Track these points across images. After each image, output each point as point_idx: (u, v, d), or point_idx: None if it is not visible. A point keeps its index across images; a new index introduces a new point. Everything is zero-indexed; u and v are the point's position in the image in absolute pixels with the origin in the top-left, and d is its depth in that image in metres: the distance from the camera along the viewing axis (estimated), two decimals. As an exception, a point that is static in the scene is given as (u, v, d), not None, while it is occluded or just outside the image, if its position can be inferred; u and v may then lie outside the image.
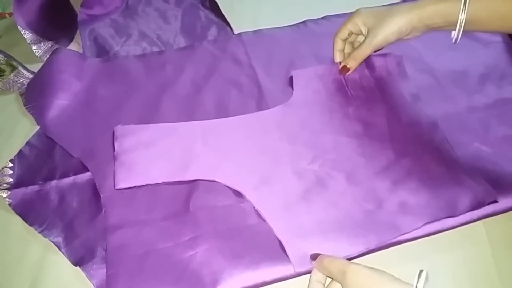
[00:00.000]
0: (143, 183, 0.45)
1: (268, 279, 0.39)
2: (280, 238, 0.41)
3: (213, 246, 0.41)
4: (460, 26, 0.45)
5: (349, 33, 0.52)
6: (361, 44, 0.50)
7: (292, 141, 0.48)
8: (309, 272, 0.40)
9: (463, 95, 0.53)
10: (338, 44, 0.53)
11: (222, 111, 0.52)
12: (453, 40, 0.47)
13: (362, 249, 0.40)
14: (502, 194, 0.43)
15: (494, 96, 0.52)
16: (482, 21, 0.45)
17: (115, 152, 0.46)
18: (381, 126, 0.49)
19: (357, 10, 0.51)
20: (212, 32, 0.62)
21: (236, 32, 0.61)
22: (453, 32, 0.46)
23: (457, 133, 0.49)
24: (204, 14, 0.64)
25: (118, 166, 0.45)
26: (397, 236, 0.40)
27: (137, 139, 0.47)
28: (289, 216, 0.42)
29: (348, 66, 0.51)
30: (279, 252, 0.40)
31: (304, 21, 0.62)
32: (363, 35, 0.50)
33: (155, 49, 0.60)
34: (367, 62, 0.54)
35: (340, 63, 0.52)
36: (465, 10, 0.44)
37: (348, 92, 0.52)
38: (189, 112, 0.52)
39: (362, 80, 0.53)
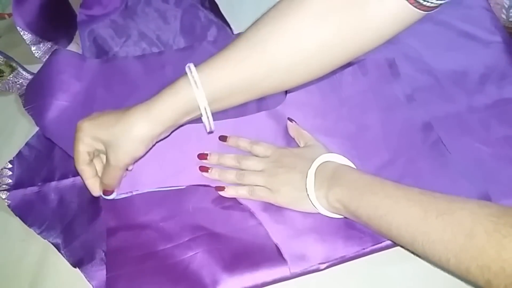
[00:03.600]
0: (137, 190, 0.44)
1: (267, 279, 0.39)
2: (276, 240, 0.41)
3: (212, 247, 0.41)
4: (205, 111, 0.39)
5: (89, 153, 0.41)
6: (106, 166, 0.41)
7: (286, 144, 0.48)
8: (306, 273, 0.40)
9: (463, 95, 0.53)
10: (87, 172, 0.42)
11: (221, 112, 0.51)
12: (208, 130, 0.41)
13: (357, 249, 0.40)
14: (502, 195, 0.43)
15: (495, 96, 0.52)
16: (226, 98, 0.39)
17: None
18: (374, 127, 0.49)
19: (79, 125, 0.40)
20: (212, 32, 0.62)
21: (236, 32, 0.61)
22: (204, 119, 0.40)
23: (457, 133, 0.49)
24: (204, 14, 0.63)
25: None
26: None
27: None
28: (284, 219, 0.42)
29: (109, 189, 0.43)
30: (279, 253, 0.40)
31: (303, 21, 0.62)
32: (103, 152, 0.41)
33: (155, 50, 0.59)
34: (360, 64, 0.54)
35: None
36: (203, 96, 0.37)
37: (342, 93, 0.52)
38: (189, 112, 0.52)
39: (355, 82, 0.53)
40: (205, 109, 0.39)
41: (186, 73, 0.38)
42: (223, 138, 0.48)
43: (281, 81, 0.39)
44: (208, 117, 0.39)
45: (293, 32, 0.36)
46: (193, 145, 0.48)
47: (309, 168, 0.41)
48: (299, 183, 0.41)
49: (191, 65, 0.38)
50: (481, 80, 0.54)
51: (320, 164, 0.41)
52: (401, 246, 0.38)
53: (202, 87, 0.37)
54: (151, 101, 0.39)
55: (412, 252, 0.35)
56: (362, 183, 0.38)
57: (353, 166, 0.42)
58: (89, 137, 0.40)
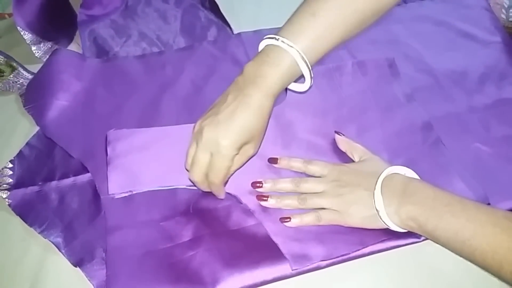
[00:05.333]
0: (137, 188, 0.45)
1: (267, 278, 0.39)
2: (276, 241, 0.41)
3: (213, 246, 0.41)
4: (310, 71, 0.40)
5: None
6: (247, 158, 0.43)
7: (286, 144, 0.48)
8: (307, 271, 0.40)
9: (463, 95, 0.53)
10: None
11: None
12: (309, 87, 0.42)
13: (358, 247, 0.40)
14: (502, 195, 0.43)
15: (494, 96, 0.52)
16: (325, 47, 0.41)
17: (108, 157, 0.46)
18: (374, 127, 0.49)
19: (222, 145, 0.39)
20: (212, 32, 0.62)
21: (236, 32, 0.61)
22: (306, 80, 0.41)
23: (457, 133, 0.49)
24: (204, 14, 0.64)
25: (111, 171, 0.45)
26: (393, 237, 0.41)
27: (130, 143, 0.47)
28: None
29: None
30: (279, 251, 0.40)
31: (304, 21, 0.62)
32: None
33: (155, 50, 0.60)
34: (360, 64, 0.54)
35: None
36: (304, 60, 0.39)
37: (342, 93, 0.52)
38: (189, 112, 0.52)
39: (355, 82, 0.53)
40: (308, 70, 0.40)
41: (273, 45, 0.40)
42: (273, 161, 0.46)
43: (365, 27, 0.43)
44: (310, 72, 0.41)
45: None
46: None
47: (375, 184, 0.40)
48: (367, 201, 0.40)
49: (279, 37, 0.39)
50: (480, 80, 0.54)
51: (385, 178, 0.40)
52: (484, 269, 0.36)
53: (304, 57, 0.39)
54: (263, 83, 0.40)
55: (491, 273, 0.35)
56: (440, 203, 0.37)
57: (418, 177, 0.41)
58: (237, 148, 0.40)
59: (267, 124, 0.42)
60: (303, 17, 0.40)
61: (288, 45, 0.39)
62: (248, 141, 0.40)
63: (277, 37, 0.40)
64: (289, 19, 0.41)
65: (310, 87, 0.43)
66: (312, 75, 0.41)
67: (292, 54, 0.39)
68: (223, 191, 0.43)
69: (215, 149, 0.39)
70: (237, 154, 0.40)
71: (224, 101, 0.41)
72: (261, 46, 0.42)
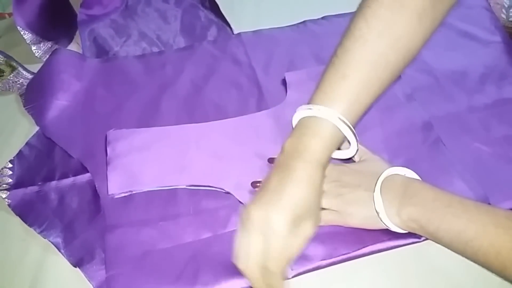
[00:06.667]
0: (137, 188, 0.45)
1: (268, 279, 0.39)
2: None
3: (213, 247, 0.41)
4: (354, 134, 0.38)
5: None
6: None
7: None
8: (307, 271, 0.40)
9: (463, 95, 0.53)
10: None
11: (221, 112, 0.52)
12: (356, 151, 0.40)
13: (358, 247, 0.40)
14: (502, 194, 0.43)
15: (494, 96, 0.52)
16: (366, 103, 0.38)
17: (107, 157, 0.46)
18: (374, 127, 0.49)
19: (280, 240, 0.34)
20: (212, 32, 0.62)
21: (236, 32, 0.61)
22: (352, 144, 0.39)
23: (457, 133, 0.49)
24: (204, 14, 0.64)
25: (111, 171, 0.45)
26: (393, 237, 0.41)
27: (130, 144, 0.47)
28: None
29: None
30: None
31: (304, 21, 0.62)
32: None
33: (155, 50, 0.60)
34: None
35: None
36: (347, 123, 0.37)
37: None
38: (189, 112, 0.52)
39: None
40: (354, 135, 0.38)
41: (308, 116, 0.38)
42: (273, 160, 0.44)
43: (400, 74, 0.41)
44: (355, 135, 0.38)
45: (407, 38, 0.37)
46: (194, 145, 0.48)
47: (375, 185, 0.39)
48: (367, 202, 0.39)
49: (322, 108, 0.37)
50: (481, 80, 0.54)
51: (385, 179, 0.40)
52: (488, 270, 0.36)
53: (345, 121, 0.37)
54: (305, 153, 0.37)
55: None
56: (441, 204, 0.37)
57: (418, 177, 0.41)
58: (291, 223, 0.35)
59: (321, 198, 0.38)
60: (334, 82, 0.38)
61: (325, 112, 0.37)
62: (303, 216, 0.35)
63: (311, 107, 0.38)
64: (317, 87, 0.39)
65: (356, 151, 0.41)
66: (357, 138, 0.39)
67: (331, 121, 0.37)
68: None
69: (267, 228, 0.34)
70: (293, 232, 0.35)
71: (268, 182, 0.37)
72: (295, 119, 0.39)
